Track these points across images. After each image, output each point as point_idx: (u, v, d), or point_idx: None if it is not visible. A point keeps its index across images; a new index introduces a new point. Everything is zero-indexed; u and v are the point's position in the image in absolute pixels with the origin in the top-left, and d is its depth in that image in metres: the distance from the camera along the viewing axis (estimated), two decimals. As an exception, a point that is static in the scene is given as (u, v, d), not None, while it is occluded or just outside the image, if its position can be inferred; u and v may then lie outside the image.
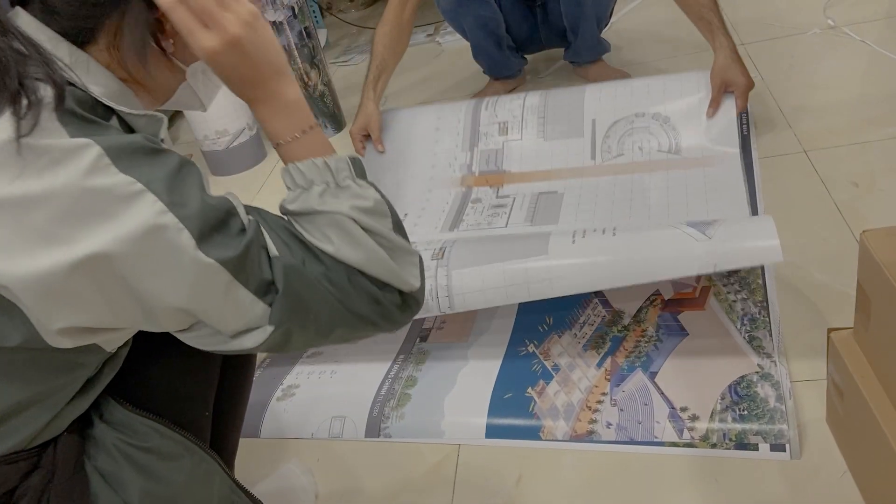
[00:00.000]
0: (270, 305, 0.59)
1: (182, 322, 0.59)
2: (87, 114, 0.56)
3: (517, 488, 0.95)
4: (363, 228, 0.62)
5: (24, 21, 0.58)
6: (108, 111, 0.60)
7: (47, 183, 0.51)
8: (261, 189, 1.88)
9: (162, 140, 0.64)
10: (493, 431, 1.02)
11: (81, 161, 0.52)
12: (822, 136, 1.44)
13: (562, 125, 1.56)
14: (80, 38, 0.60)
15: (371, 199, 0.64)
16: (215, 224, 0.57)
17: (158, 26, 0.63)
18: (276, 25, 1.86)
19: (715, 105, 1.45)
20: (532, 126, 1.58)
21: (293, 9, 1.88)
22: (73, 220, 0.51)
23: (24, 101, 0.52)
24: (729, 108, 1.45)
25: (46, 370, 0.60)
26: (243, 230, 0.59)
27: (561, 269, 1.03)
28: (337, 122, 2.06)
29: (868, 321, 0.78)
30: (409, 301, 0.67)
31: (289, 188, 0.65)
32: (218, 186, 1.92)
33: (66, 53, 0.59)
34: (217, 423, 0.79)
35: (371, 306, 0.63)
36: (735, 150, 1.40)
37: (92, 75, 0.60)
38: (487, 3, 1.73)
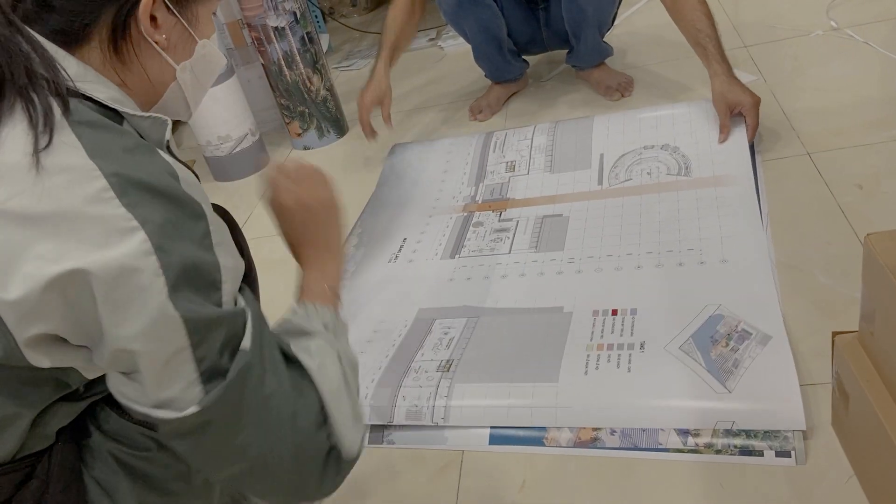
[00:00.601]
0: (207, 393, 0.57)
1: (120, 365, 0.58)
2: (100, 119, 0.56)
3: (521, 494, 0.94)
4: (343, 369, 0.66)
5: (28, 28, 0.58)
6: (118, 115, 0.60)
7: (58, 203, 0.52)
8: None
9: (168, 142, 0.65)
10: (496, 440, 1.02)
11: (89, 187, 0.52)
12: (825, 138, 1.44)
13: (569, 158, 1.56)
14: (75, 36, 0.60)
15: (356, 360, 0.69)
16: (196, 283, 0.56)
17: (151, 20, 0.63)
18: (279, 31, 1.86)
19: (725, 131, 1.44)
20: (539, 162, 1.59)
21: (295, 14, 1.88)
22: (66, 241, 0.52)
23: (39, 110, 0.53)
24: (739, 131, 1.45)
25: (30, 385, 0.59)
26: (220, 304, 0.58)
27: (568, 399, 1.00)
28: (339, 128, 2.06)
29: (873, 325, 0.77)
30: (333, 463, 0.64)
31: (294, 312, 0.70)
32: (220, 192, 1.92)
33: (71, 64, 0.59)
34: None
35: (296, 448, 0.62)
36: (748, 170, 1.37)
37: (92, 83, 0.60)
38: (489, 6, 1.73)
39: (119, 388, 0.59)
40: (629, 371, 1.01)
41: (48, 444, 0.63)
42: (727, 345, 1.00)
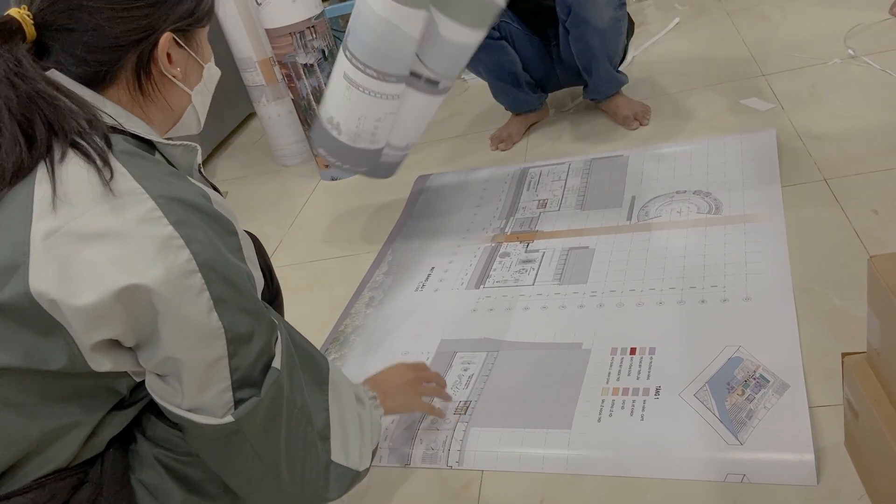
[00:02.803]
0: (237, 403, 0.64)
1: (163, 369, 0.64)
2: (137, 150, 0.63)
3: (539, 513, 0.96)
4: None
5: (59, 77, 0.65)
6: (150, 146, 0.67)
7: (114, 222, 0.58)
8: (294, 223, 1.94)
9: (200, 166, 0.72)
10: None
11: (141, 207, 0.59)
12: (842, 164, 1.45)
13: (600, 199, 1.59)
14: (103, 80, 0.67)
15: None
16: (234, 294, 0.62)
17: (167, 58, 0.71)
18: (308, 67, 1.94)
19: None
20: (571, 201, 1.62)
21: (323, 52, 1.96)
22: (126, 255, 0.58)
23: (94, 150, 0.60)
24: (770, 168, 1.47)
25: (87, 394, 0.65)
26: (263, 318, 0.65)
27: (580, 447, 1.01)
28: (366, 159, 2.12)
29: (879, 345, 0.79)
30: (333, 473, 0.76)
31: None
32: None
33: (108, 105, 0.66)
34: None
35: (303, 456, 0.71)
36: (779, 208, 1.37)
37: (126, 119, 0.67)
38: (501, 47, 1.78)
39: (156, 389, 0.65)
40: (642, 419, 1.01)
41: (98, 453, 0.68)
42: (743, 393, 1.00)
